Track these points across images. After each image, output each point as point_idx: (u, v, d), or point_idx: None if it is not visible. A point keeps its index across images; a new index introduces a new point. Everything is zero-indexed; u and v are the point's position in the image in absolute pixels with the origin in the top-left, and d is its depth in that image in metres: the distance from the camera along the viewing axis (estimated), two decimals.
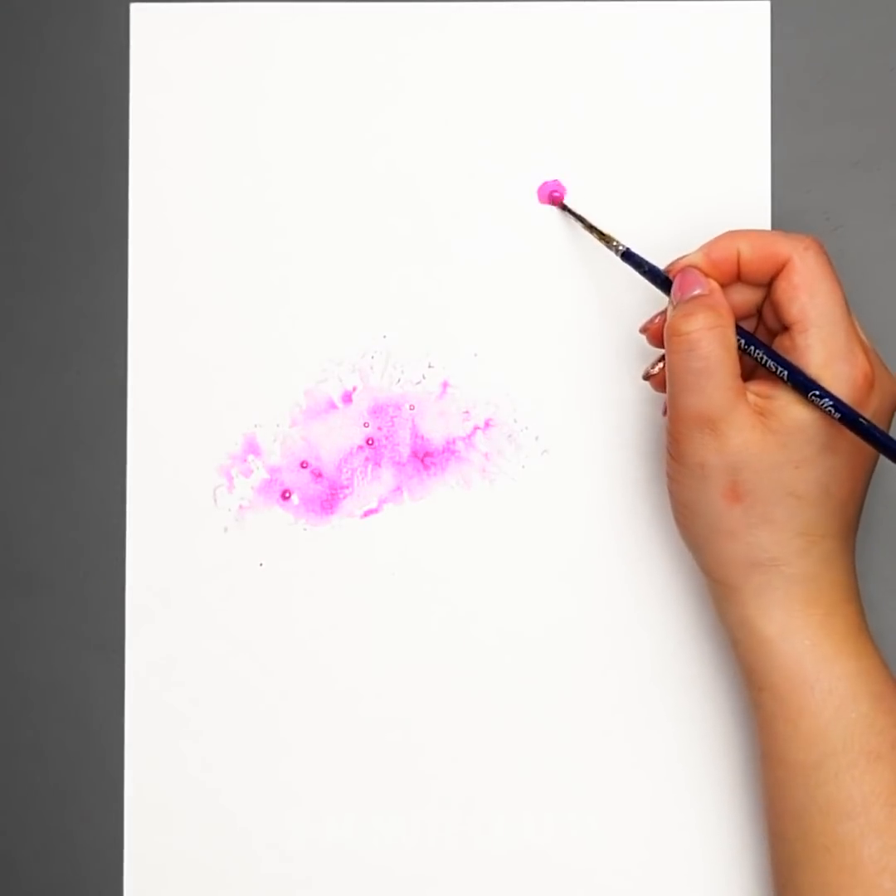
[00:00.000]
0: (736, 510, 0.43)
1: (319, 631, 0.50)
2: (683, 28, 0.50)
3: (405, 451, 0.51)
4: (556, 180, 0.50)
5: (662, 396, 0.48)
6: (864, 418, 0.42)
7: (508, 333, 0.50)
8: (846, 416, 0.42)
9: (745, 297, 0.45)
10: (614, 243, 0.48)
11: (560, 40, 0.51)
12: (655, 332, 0.46)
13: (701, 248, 0.45)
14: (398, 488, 0.50)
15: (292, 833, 0.50)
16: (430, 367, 0.51)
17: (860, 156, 0.50)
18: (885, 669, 0.43)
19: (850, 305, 0.44)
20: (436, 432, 0.51)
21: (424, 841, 0.50)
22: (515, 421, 0.50)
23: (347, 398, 0.51)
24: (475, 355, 0.51)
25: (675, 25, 0.50)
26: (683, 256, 0.45)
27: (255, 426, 0.51)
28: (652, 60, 0.50)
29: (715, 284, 0.44)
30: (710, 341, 0.43)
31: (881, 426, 0.43)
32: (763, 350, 0.44)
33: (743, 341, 0.44)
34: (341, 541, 0.50)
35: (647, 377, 0.47)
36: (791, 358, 0.43)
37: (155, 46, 0.51)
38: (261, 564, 0.51)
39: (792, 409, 0.43)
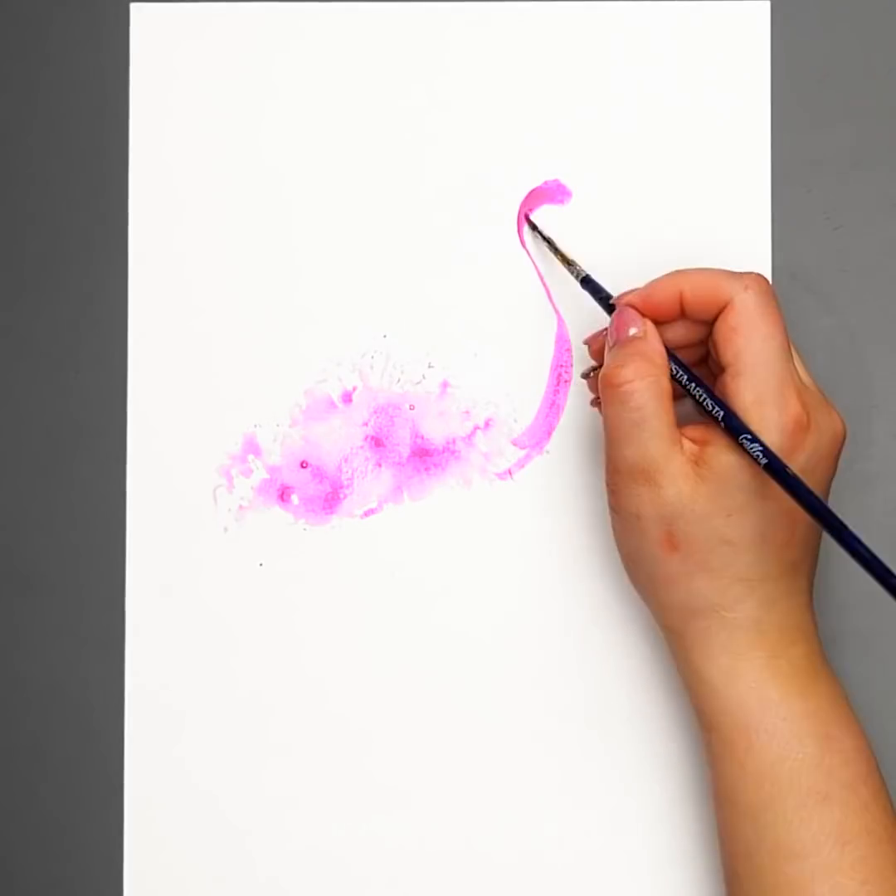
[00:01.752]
0: (673, 559, 0.43)
1: (319, 631, 0.50)
2: (683, 28, 0.50)
3: (405, 451, 0.51)
4: (556, 180, 0.50)
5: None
6: (790, 470, 0.41)
7: (508, 333, 0.51)
8: (772, 465, 0.41)
9: (690, 331, 0.45)
10: (576, 268, 0.48)
11: (560, 40, 0.51)
12: (597, 349, 0.46)
13: (644, 287, 0.45)
14: (398, 488, 0.50)
15: (291, 833, 0.50)
16: (430, 367, 0.51)
17: (860, 156, 0.50)
18: (838, 710, 0.43)
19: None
20: (436, 432, 0.51)
21: (423, 841, 0.50)
22: (515, 421, 0.50)
23: (347, 398, 0.51)
24: (475, 355, 0.51)
25: (675, 25, 0.50)
26: (628, 292, 0.45)
27: (255, 426, 0.51)
28: (652, 60, 0.50)
29: (650, 326, 0.44)
30: (643, 392, 0.43)
31: (820, 467, 0.43)
32: (702, 388, 0.43)
33: (685, 378, 0.44)
34: (341, 541, 0.50)
35: (585, 376, 0.48)
36: (725, 400, 0.43)
37: (155, 46, 0.51)
38: (261, 564, 0.51)
39: (723, 457, 0.42)
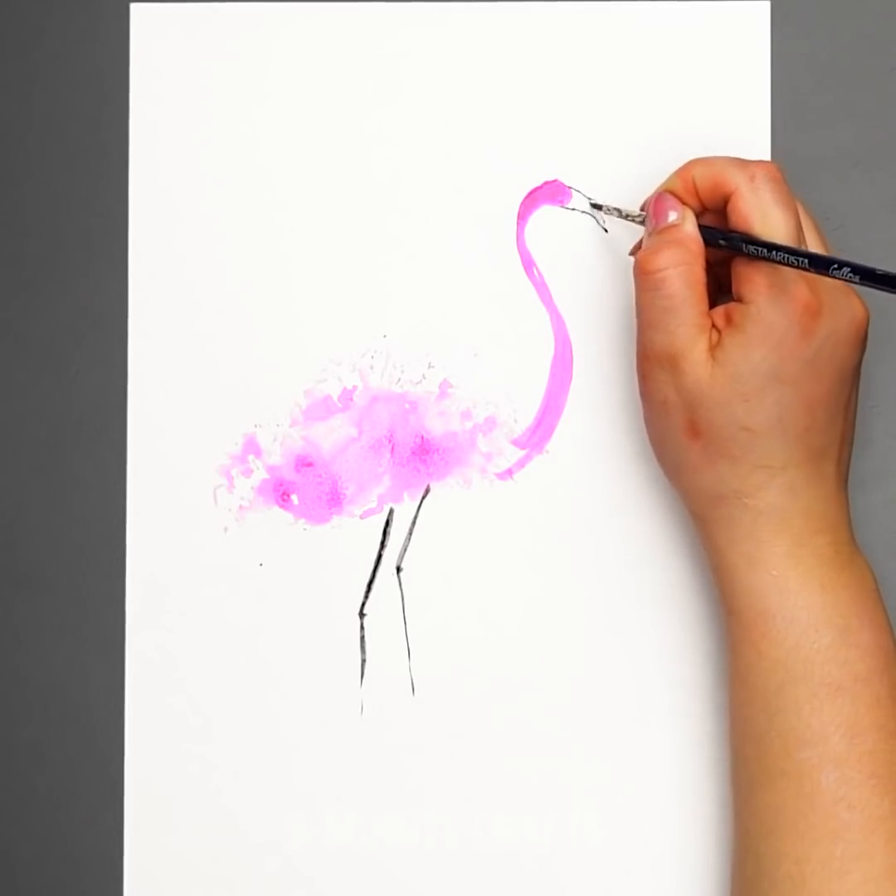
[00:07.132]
0: (696, 446, 0.43)
1: (319, 631, 0.50)
2: (683, 28, 0.50)
3: (405, 451, 0.50)
4: (556, 180, 0.50)
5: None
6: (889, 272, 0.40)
7: (508, 333, 0.50)
8: (881, 277, 0.40)
9: (720, 219, 0.45)
10: (632, 215, 0.48)
11: (560, 40, 0.51)
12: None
13: (674, 173, 0.46)
14: (398, 488, 0.50)
15: (292, 833, 0.50)
16: (430, 367, 0.51)
17: (860, 156, 0.50)
18: (861, 603, 0.43)
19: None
20: (436, 432, 0.51)
21: (424, 841, 0.50)
22: (515, 421, 0.50)
23: (347, 398, 0.51)
24: (475, 355, 0.51)
25: (675, 25, 0.50)
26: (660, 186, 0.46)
27: (255, 426, 0.51)
28: (652, 60, 0.50)
29: (688, 212, 0.45)
30: (676, 279, 0.43)
31: (839, 352, 0.43)
32: (759, 246, 0.43)
33: (724, 242, 0.43)
34: (341, 541, 0.50)
35: (632, 253, 0.47)
36: (739, 285, 0.43)
37: (155, 46, 0.51)
38: (261, 564, 0.51)
39: (737, 340, 0.43)
